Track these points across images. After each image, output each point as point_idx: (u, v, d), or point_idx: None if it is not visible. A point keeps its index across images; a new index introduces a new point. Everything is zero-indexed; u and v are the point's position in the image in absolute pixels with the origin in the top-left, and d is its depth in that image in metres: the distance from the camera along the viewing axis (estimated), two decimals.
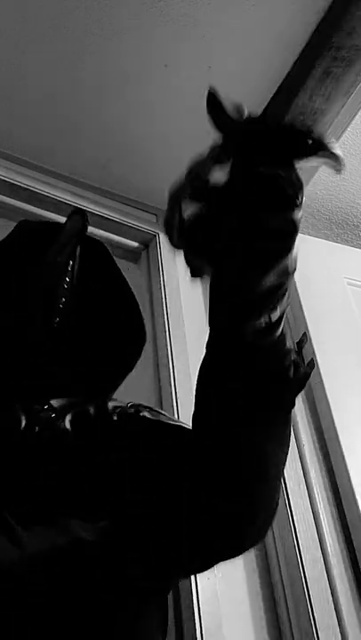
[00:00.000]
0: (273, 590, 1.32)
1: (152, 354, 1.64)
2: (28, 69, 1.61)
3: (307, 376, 0.68)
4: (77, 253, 0.94)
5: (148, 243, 1.90)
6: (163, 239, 1.88)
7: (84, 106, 1.68)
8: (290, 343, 0.69)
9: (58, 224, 1.00)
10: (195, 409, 0.73)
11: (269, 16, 1.50)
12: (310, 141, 0.56)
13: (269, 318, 0.63)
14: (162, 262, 1.81)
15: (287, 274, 0.62)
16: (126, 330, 1.00)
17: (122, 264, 1.85)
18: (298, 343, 1.70)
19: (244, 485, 0.68)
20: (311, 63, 0.53)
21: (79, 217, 0.94)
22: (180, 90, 1.65)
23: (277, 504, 0.73)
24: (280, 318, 0.65)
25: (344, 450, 1.47)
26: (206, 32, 1.54)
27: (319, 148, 0.57)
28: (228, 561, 0.75)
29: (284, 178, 0.57)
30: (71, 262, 0.92)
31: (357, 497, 1.40)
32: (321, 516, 1.39)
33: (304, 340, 1.68)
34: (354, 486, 1.42)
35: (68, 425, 0.78)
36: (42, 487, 0.72)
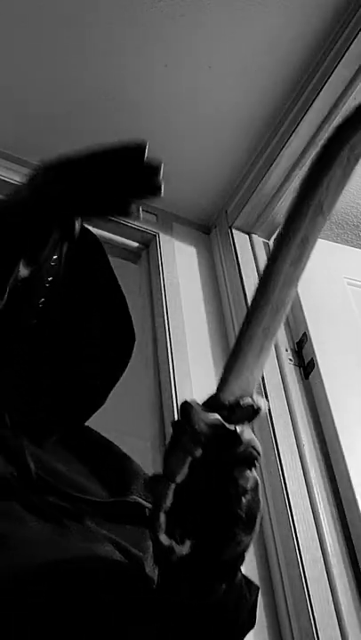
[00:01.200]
0: (273, 590, 1.32)
1: (152, 354, 1.63)
2: (28, 69, 1.61)
3: (255, 602, 0.67)
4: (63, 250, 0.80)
5: (148, 243, 1.90)
6: (163, 239, 1.88)
7: (84, 106, 1.68)
8: (245, 590, 0.67)
9: None
10: None
11: (269, 15, 1.50)
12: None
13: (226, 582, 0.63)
14: (162, 262, 1.80)
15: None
16: (113, 335, 0.88)
17: (122, 264, 1.87)
18: (298, 343, 1.70)
19: None
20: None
21: None
22: (180, 90, 1.65)
23: None
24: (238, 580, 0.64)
25: (344, 450, 1.46)
26: (206, 32, 1.54)
27: None
28: None
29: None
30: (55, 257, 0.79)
31: (357, 497, 1.40)
32: (321, 516, 1.39)
33: (304, 340, 1.68)
34: (354, 486, 1.41)
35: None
36: None
